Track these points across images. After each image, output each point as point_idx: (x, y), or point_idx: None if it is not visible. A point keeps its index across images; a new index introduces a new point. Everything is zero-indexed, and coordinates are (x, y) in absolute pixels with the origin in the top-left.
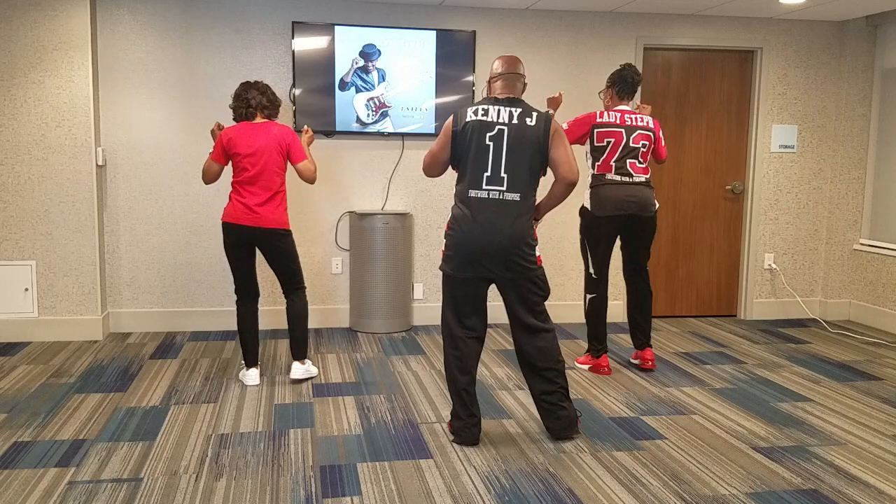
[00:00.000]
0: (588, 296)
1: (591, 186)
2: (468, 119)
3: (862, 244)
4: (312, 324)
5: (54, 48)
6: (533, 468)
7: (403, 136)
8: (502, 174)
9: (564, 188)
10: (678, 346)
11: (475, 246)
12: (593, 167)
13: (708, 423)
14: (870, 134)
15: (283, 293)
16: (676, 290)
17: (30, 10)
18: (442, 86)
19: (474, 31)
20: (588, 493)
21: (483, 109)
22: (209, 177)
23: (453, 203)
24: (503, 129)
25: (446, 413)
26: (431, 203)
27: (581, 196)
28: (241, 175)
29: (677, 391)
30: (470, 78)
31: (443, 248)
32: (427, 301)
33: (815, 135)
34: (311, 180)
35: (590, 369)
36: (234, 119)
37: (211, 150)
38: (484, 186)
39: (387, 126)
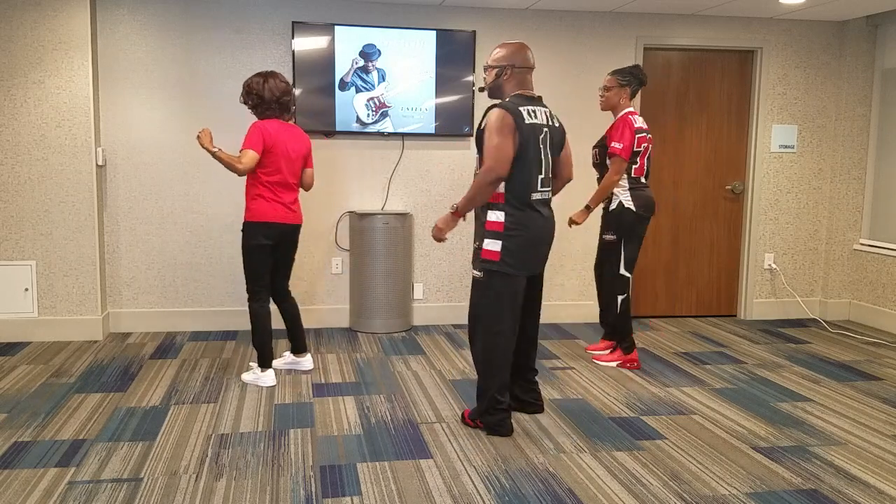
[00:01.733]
0: (620, 297)
1: (631, 189)
2: (526, 121)
3: (862, 244)
4: (312, 323)
5: (54, 48)
6: (533, 468)
7: (403, 136)
8: (549, 175)
9: (562, 186)
10: (678, 346)
11: (543, 243)
12: (630, 171)
13: (708, 423)
14: (870, 134)
15: (279, 292)
16: (677, 290)
17: (30, 10)
18: (442, 86)
19: (474, 31)
20: (588, 493)
21: (531, 111)
22: (250, 168)
23: (505, 204)
24: (546, 132)
25: (447, 413)
26: (431, 203)
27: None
28: (274, 175)
29: (677, 391)
30: (470, 78)
31: (497, 250)
32: (427, 301)
33: (815, 135)
34: (310, 187)
35: (618, 366)
36: (259, 109)
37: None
38: (539, 188)
39: (387, 126)
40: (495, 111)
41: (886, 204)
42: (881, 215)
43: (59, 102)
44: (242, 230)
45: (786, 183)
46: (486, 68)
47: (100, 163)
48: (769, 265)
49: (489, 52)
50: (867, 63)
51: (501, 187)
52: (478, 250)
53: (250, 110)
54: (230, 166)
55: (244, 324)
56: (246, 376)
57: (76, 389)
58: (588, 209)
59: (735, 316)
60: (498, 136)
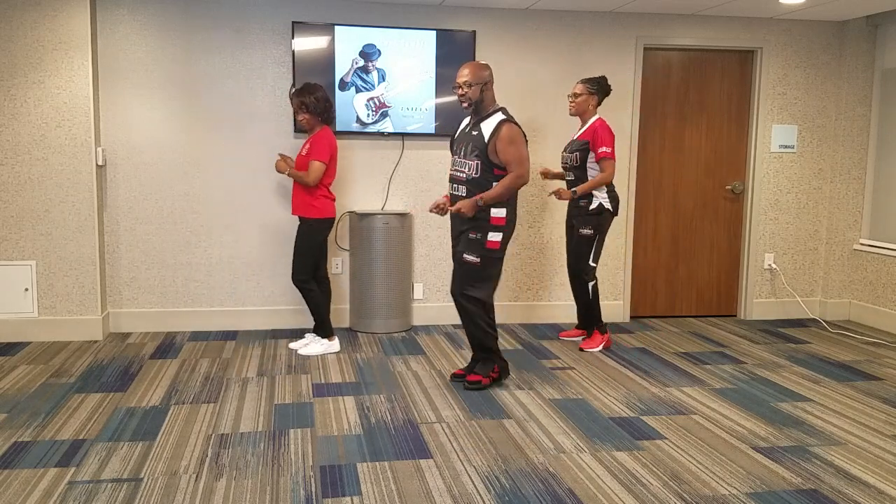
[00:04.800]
0: (590, 283)
1: (609, 191)
2: None
3: (862, 244)
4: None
5: (54, 48)
6: (533, 468)
7: (403, 136)
8: None
9: None
10: (678, 346)
11: None
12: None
13: (708, 423)
14: (870, 134)
15: (325, 275)
16: (676, 290)
17: (30, 10)
18: (442, 86)
19: (474, 31)
20: (588, 493)
21: None
22: (319, 179)
23: (506, 202)
24: None
25: (447, 413)
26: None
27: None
28: (332, 177)
29: (677, 391)
30: None
31: (499, 240)
32: (427, 301)
33: (815, 135)
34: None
35: (604, 347)
36: (322, 118)
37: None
38: None
39: (387, 126)
40: (511, 126)
41: (886, 204)
42: (881, 215)
43: (59, 102)
44: (307, 225)
45: (786, 183)
46: (466, 85)
47: (100, 163)
48: (769, 265)
49: (461, 72)
50: (867, 63)
51: None
52: (480, 240)
53: (317, 117)
54: (301, 180)
55: (244, 324)
56: (312, 349)
57: (76, 389)
58: (574, 194)
59: (735, 316)
60: (523, 148)
